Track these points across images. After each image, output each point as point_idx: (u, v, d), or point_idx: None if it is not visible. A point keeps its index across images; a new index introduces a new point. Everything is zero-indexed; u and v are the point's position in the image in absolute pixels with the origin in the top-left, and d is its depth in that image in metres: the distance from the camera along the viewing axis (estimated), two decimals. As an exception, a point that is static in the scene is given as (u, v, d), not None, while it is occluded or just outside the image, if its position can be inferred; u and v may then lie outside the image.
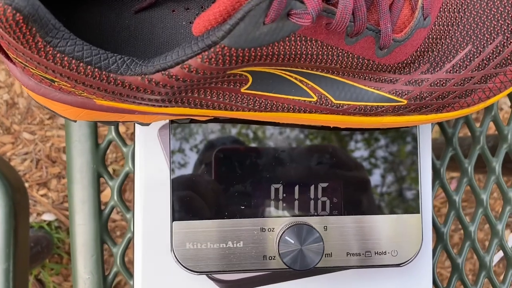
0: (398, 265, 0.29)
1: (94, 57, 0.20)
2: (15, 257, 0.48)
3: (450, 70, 0.25)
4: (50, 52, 0.19)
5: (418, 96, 0.25)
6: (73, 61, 0.19)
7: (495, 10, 0.24)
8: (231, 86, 0.23)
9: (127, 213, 0.35)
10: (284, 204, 0.29)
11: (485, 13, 0.25)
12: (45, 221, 0.96)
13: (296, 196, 0.29)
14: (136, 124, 0.31)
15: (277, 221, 0.29)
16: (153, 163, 0.30)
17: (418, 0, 0.23)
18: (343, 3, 0.20)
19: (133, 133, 0.31)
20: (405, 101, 0.25)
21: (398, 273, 0.31)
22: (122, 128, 0.92)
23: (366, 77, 0.25)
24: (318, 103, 0.24)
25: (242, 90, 0.23)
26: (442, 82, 0.25)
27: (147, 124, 0.28)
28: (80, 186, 0.35)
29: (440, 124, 0.35)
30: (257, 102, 0.24)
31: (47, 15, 0.18)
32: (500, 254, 0.90)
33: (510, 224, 1.03)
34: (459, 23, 0.25)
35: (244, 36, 0.19)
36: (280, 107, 0.24)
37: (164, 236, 0.30)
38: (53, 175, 1.00)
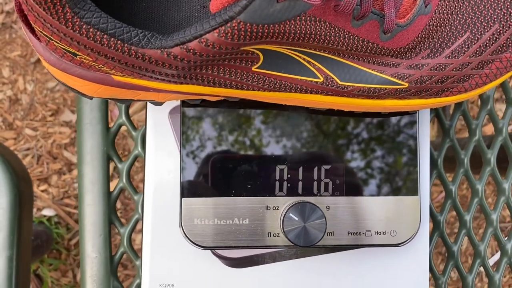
0: (396, 245, 0.31)
1: (118, 29, 0.21)
2: (19, 246, 0.49)
3: (449, 56, 0.26)
4: (77, 23, 0.20)
5: (418, 80, 0.26)
6: (98, 33, 0.21)
7: (492, 0, 0.26)
8: (243, 64, 0.24)
9: (135, 195, 0.36)
10: (289, 185, 0.30)
11: (483, 3, 0.26)
12: (45, 216, 0.97)
13: (300, 177, 0.30)
14: (148, 105, 0.32)
15: (282, 200, 0.30)
16: (163, 143, 0.31)
17: (420, -12, 0.25)
18: (351, -15, 0.21)
19: (145, 118, 0.33)
20: (407, 84, 0.27)
21: (396, 254, 0.33)
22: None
23: (370, 61, 0.26)
24: (324, 84, 0.26)
25: (253, 68, 0.24)
26: (441, 67, 0.26)
27: (160, 104, 0.30)
28: (90, 168, 0.37)
29: (438, 116, 0.37)
30: (266, 81, 0.25)
31: (76, -12, 0.20)
32: (495, 258, 0.91)
33: (505, 230, 1.04)
34: (458, 12, 0.26)
35: (258, 12, 0.20)
36: (288, 87, 0.25)
37: (173, 214, 0.31)
38: (54, 171, 1.01)
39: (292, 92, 0.26)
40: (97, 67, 0.24)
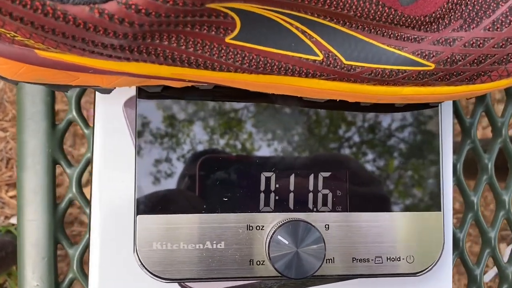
0: (414, 274, 0.24)
1: (22, -27, 0.14)
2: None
3: (490, 28, 0.20)
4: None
5: (448, 60, 0.20)
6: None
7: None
8: (213, 32, 0.17)
9: (87, 207, 0.29)
10: (277, 197, 0.24)
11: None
12: (13, 224, 0.89)
13: (292, 187, 0.24)
14: (96, 95, 0.25)
15: (268, 217, 0.23)
16: (115, 143, 0.24)
17: None
18: None
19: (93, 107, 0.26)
20: (433, 65, 0.20)
21: (413, 285, 0.26)
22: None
23: (386, 33, 0.19)
24: (324, 63, 0.19)
25: (227, 39, 0.18)
26: (479, 42, 0.20)
27: (108, 91, 0.23)
28: (32, 173, 0.30)
29: (456, 112, 0.30)
30: (246, 58, 0.18)
31: None
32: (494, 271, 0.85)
33: (507, 238, 0.98)
34: (501, -30, 0.20)
35: None
36: (276, 67, 0.19)
37: (127, 235, 0.24)
38: (25, 176, 0.93)
39: (281, 74, 0.19)
40: (9, 35, 0.17)
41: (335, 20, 0.18)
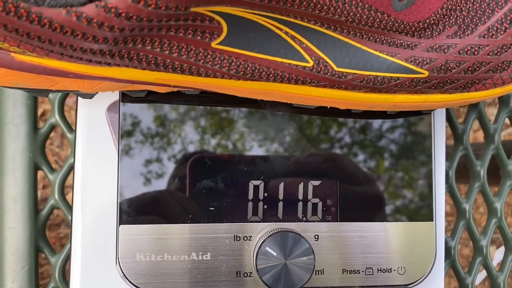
0: (405, 286, 0.23)
1: (-7, -27, 0.13)
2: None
3: (484, 34, 0.19)
4: None
5: (442, 67, 0.19)
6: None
7: (543, -41, 0.19)
8: (198, 37, 0.16)
9: (70, 214, 0.28)
10: (265, 207, 0.23)
11: (531, -37, 0.19)
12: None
13: (281, 196, 0.23)
14: (78, 100, 0.24)
15: (256, 228, 0.22)
16: (98, 150, 0.23)
17: None
18: None
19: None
20: (426, 73, 0.19)
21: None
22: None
23: (378, 39, 0.19)
24: (314, 70, 0.18)
25: (214, 44, 0.17)
26: (473, 50, 0.19)
27: (90, 96, 0.22)
28: (12, 179, 0.28)
29: (449, 119, 0.30)
30: (233, 64, 0.18)
31: None
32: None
33: (496, 241, 0.98)
34: (496, -24, 0.19)
35: None
36: (264, 73, 0.18)
37: (109, 245, 0.23)
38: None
39: (270, 81, 0.19)
40: (-17, 39, 0.16)
41: (325, 26, 0.18)
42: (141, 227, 0.22)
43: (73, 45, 0.15)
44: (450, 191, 0.30)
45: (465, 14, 0.19)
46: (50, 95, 0.29)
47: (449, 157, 0.30)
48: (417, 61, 0.19)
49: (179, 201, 0.22)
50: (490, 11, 0.19)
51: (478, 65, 0.20)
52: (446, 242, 0.30)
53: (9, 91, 0.29)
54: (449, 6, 0.19)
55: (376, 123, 0.24)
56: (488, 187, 0.31)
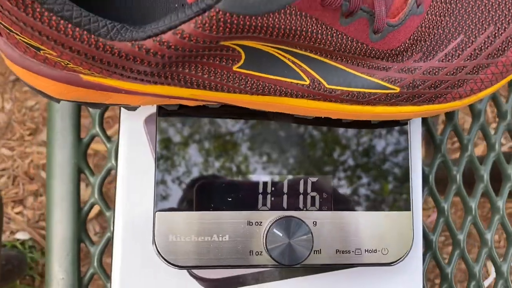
0: (388, 264, 0.28)
1: (84, 18, 0.19)
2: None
3: (443, 59, 0.25)
4: (38, 9, 0.18)
5: (411, 84, 0.25)
6: (62, 22, 0.19)
7: (486, 1, 0.25)
8: (223, 62, 0.22)
9: (108, 211, 0.33)
10: (273, 198, 0.28)
11: (477, 4, 0.25)
12: (18, 240, 0.93)
13: (285, 190, 0.28)
14: (122, 111, 0.30)
15: (265, 215, 0.28)
16: (137, 153, 0.29)
17: (412, -13, 0.24)
18: (339, -24, 0.20)
19: (118, 127, 0.31)
20: (398, 89, 0.25)
21: (388, 274, 0.30)
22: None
23: (359, 63, 0.24)
24: (310, 87, 0.24)
25: (235, 68, 0.23)
26: (434, 71, 0.25)
27: (134, 109, 0.27)
28: (59, 182, 0.34)
29: (428, 131, 0.35)
30: (249, 82, 0.23)
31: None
32: (490, 279, 0.89)
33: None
34: (451, 14, 0.25)
35: (239, 1, 0.18)
36: (272, 89, 0.24)
37: (146, 230, 0.29)
38: (30, 192, 0.97)
39: (277, 95, 0.24)
40: (63, 64, 0.22)
41: (319, 53, 0.23)
42: (173, 213, 0.27)
43: (133, 68, 0.21)
44: (430, 192, 0.35)
45: (428, 43, 0.25)
46: (91, 111, 0.34)
47: (429, 164, 0.36)
48: (391, 80, 0.25)
49: (203, 193, 0.28)
50: (447, 41, 0.25)
51: (439, 82, 0.25)
52: (427, 236, 0.35)
53: (58, 106, 0.34)
54: (415, 37, 0.25)
55: (362, 130, 0.29)
56: (463, 189, 0.36)
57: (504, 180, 0.36)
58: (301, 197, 0.28)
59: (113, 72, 0.22)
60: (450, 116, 0.36)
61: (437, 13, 0.25)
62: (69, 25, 0.19)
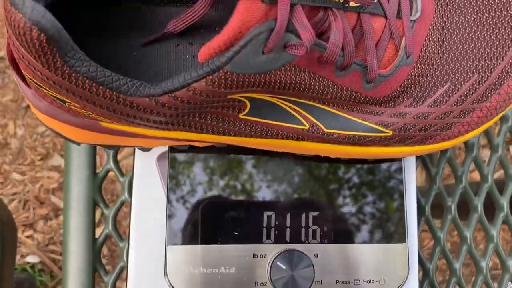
0: (386, 294, 0.30)
1: (107, 78, 0.21)
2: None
3: (431, 105, 0.27)
4: (67, 71, 0.21)
5: (402, 128, 0.27)
6: (87, 81, 0.21)
7: (470, 52, 0.27)
8: (230, 111, 0.24)
9: (121, 242, 0.35)
10: (276, 232, 0.30)
11: (462, 55, 0.27)
12: (28, 263, 0.94)
13: (288, 224, 0.30)
14: (136, 151, 0.32)
15: (269, 248, 0.30)
16: (150, 189, 0.31)
17: (402, 40, 0.26)
18: (333, 38, 0.22)
19: (132, 163, 0.33)
20: (391, 132, 0.27)
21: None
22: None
23: (354, 109, 0.27)
24: (310, 131, 0.26)
25: (240, 115, 0.25)
26: (424, 115, 0.27)
27: (148, 150, 0.30)
28: (75, 214, 0.36)
29: (424, 164, 0.37)
30: (253, 128, 0.26)
31: (67, 38, 0.20)
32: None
33: (497, 277, 1.03)
34: (439, 63, 0.27)
35: (245, 63, 0.21)
36: (275, 133, 0.26)
37: (158, 262, 0.31)
38: (40, 216, 0.99)
39: (279, 138, 0.26)
40: (85, 114, 0.24)
41: (317, 101, 0.26)
42: (184, 247, 0.29)
43: (149, 118, 0.23)
44: (427, 222, 0.37)
45: (418, 90, 0.27)
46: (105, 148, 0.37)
47: (425, 195, 0.38)
48: (383, 124, 0.27)
49: (211, 227, 0.30)
50: (435, 88, 0.27)
51: (428, 126, 0.27)
52: (425, 264, 0.36)
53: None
54: (406, 85, 0.27)
55: (359, 166, 0.31)
56: (458, 219, 0.38)
57: (498, 209, 0.38)
58: (303, 230, 0.30)
59: (131, 122, 0.24)
60: (444, 150, 0.38)
61: (425, 63, 0.27)
62: (94, 84, 0.21)
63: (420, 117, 0.27)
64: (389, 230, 0.31)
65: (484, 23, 0.27)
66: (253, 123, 0.25)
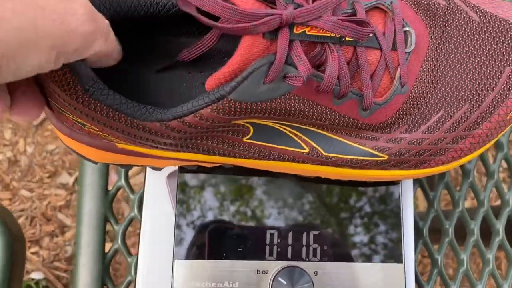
0: (382, 312, 0.32)
1: (122, 105, 0.24)
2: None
3: (425, 131, 0.29)
4: (87, 99, 0.24)
5: (397, 153, 0.30)
6: (105, 107, 0.24)
7: (462, 82, 0.30)
8: (235, 135, 0.27)
9: (129, 257, 0.38)
10: (279, 249, 0.32)
11: (454, 85, 0.30)
12: (33, 279, 0.97)
13: (290, 242, 0.33)
14: (147, 170, 0.35)
15: (271, 264, 0.32)
16: (160, 206, 0.34)
17: (397, 71, 0.29)
18: (329, 70, 0.25)
19: (144, 181, 0.36)
20: (386, 157, 0.30)
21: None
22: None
23: (352, 134, 0.29)
24: (310, 154, 0.29)
25: (244, 139, 0.28)
26: (418, 141, 0.29)
27: (159, 169, 0.32)
28: (86, 229, 0.39)
29: (422, 187, 0.39)
30: (256, 150, 0.28)
31: (87, 69, 0.23)
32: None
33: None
34: (433, 92, 0.30)
35: (247, 92, 0.24)
36: (277, 156, 0.29)
37: (166, 276, 0.33)
38: (47, 233, 1.02)
39: (281, 161, 0.29)
40: (102, 136, 0.27)
41: (316, 127, 0.28)
42: (190, 262, 0.31)
43: (160, 141, 0.26)
44: (424, 244, 0.39)
45: (412, 117, 0.30)
46: (118, 167, 0.39)
47: (423, 218, 0.40)
48: (380, 149, 0.29)
49: (216, 244, 0.32)
50: (429, 116, 0.30)
51: (423, 151, 0.30)
52: (422, 286, 0.38)
53: (88, 162, 0.40)
54: (401, 112, 0.30)
55: (359, 189, 0.34)
56: (455, 242, 0.40)
57: (494, 234, 0.40)
58: (304, 248, 0.32)
59: (144, 144, 0.27)
60: (441, 174, 0.40)
61: (420, 92, 0.30)
62: (110, 110, 0.24)
63: (415, 143, 0.30)
64: (386, 250, 0.33)
65: (476, 55, 0.30)
66: (256, 146, 0.28)
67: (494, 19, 0.30)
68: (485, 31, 0.30)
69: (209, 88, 0.24)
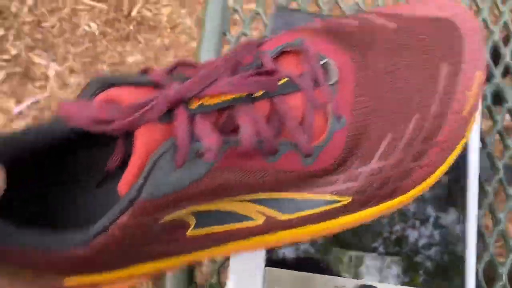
0: None
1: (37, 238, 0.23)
2: None
3: (381, 158, 0.27)
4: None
5: (360, 190, 0.27)
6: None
7: (402, 96, 0.27)
8: (176, 233, 0.25)
9: None
10: (356, 269, 0.32)
11: (395, 101, 0.27)
12: None
13: (368, 262, 0.33)
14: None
15: (349, 281, 0.32)
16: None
17: (327, 107, 0.27)
18: (243, 132, 0.23)
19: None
20: (350, 198, 0.27)
21: None
22: None
23: (305, 187, 0.27)
24: (264, 223, 0.26)
25: (188, 233, 0.25)
26: (378, 171, 0.27)
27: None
28: None
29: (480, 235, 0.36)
30: (203, 240, 0.26)
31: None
32: None
33: None
34: (375, 115, 0.28)
35: (158, 186, 0.22)
36: (227, 238, 0.26)
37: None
38: None
39: (233, 240, 0.27)
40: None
41: (260, 191, 0.26)
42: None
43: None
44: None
45: (363, 149, 0.27)
46: None
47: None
48: (340, 192, 0.27)
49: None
50: (378, 142, 0.27)
51: (387, 179, 0.27)
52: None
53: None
54: (348, 147, 0.27)
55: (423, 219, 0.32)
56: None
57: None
58: (380, 270, 0.33)
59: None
60: (496, 222, 0.37)
61: (361, 119, 0.28)
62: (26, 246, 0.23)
63: (374, 173, 0.27)
64: (451, 275, 0.33)
65: (406, 63, 0.28)
66: (202, 236, 0.26)
67: (411, 20, 0.29)
68: (405, 35, 0.28)
69: (122, 193, 0.23)
